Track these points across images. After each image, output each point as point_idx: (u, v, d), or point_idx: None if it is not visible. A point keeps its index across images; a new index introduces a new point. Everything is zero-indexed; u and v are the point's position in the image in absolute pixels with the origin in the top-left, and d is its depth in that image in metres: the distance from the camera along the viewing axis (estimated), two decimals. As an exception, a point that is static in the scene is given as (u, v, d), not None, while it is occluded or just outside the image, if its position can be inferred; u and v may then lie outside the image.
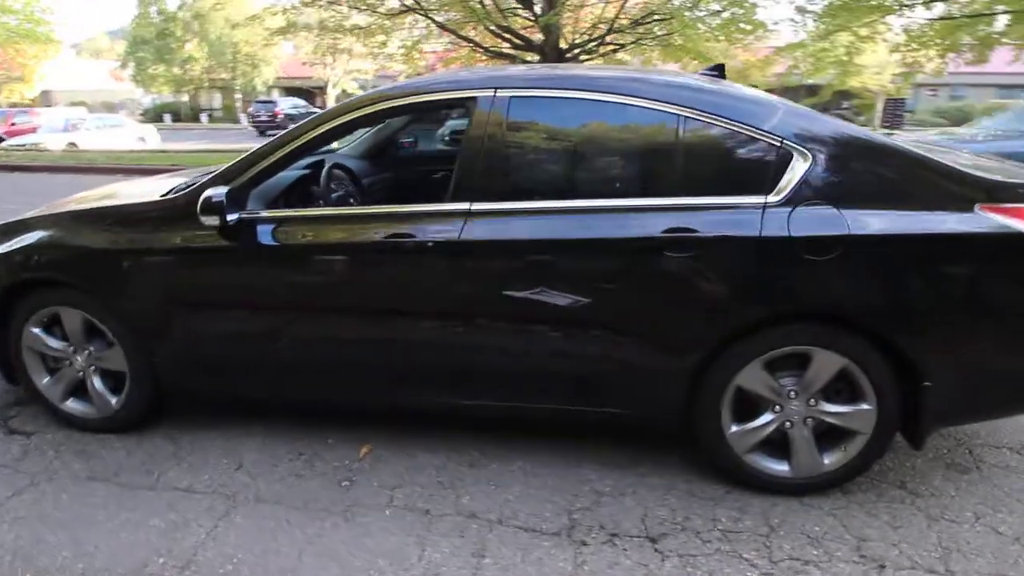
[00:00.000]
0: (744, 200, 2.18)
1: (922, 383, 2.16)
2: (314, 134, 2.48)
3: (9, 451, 2.74)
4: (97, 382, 2.79)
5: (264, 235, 2.47)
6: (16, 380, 2.91)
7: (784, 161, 2.18)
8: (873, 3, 11.05)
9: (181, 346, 2.63)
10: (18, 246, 2.76)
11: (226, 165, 2.59)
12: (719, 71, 2.79)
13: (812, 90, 14.81)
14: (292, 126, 2.58)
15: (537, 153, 2.46)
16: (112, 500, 2.41)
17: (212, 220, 2.37)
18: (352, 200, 3.13)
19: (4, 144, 18.03)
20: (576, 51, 12.52)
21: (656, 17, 11.86)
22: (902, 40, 12.12)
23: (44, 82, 33.86)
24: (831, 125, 2.29)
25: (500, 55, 12.62)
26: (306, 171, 2.97)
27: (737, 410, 2.33)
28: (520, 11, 12.27)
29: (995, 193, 2.14)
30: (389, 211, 2.46)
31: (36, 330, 2.77)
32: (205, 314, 2.61)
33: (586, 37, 12.50)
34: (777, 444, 2.36)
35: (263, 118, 27.24)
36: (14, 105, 26.85)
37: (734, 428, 2.34)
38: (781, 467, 2.36)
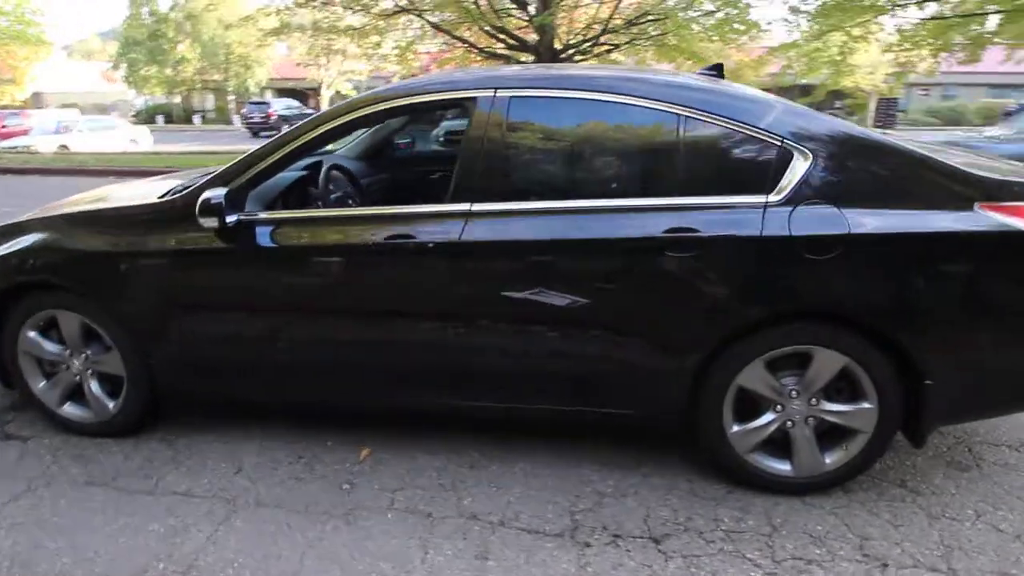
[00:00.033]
0: (745, 200, 2.18)
1: (923, 381, 2.17)
2: (313, 135, 2.47)
3: (5, 456, 2.71)
4: (94, 386, 2.76)
5: (263, 237, 2.46)
6: (12, 384, 2.88)
7: (784, 160, 2.18)
8: (866, 3, 11.08)
9: (179, 349, 2.61)
10: (13, 249, 2.74)
11: (224, 167, 2.57)
12: (718, 71, 2.79)
13: (806, 90, 14.84)
14: (291, 127, 2.56)
15: (537, 153, 2.46)
16: (111, 505, 2.39)
17: (211, 222, 2.36)
18: (351, 201, 3.11)
19: (-5, 146, 17.90)
20: (570, 51, 12.52)
21: (650, 17, 11.87)
22: (895, 40, 12.16)
23: (35, 84, 33.65)
24: (831, 124, 2.29)
25: (494, 56, 12.61)
26: (304, 172, 2.95)
27: (738, 410, 2.33)
28: (514, 11, 12.26)
29: (994, 192, 2.15)
30: (389, 212, 2.45)
31: (32, 334, 2.75)
32: (203, 317, 2.59)
33: (580, 37, 12.50)
34: (779, 444, 2.36)
35: (256, 119, 27.18)
36: (5, 107, 26.65)
37: (736, 428, 2.34)
38: (783, 466, 2.36)
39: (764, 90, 2.92)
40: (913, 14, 11.41)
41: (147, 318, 2.59)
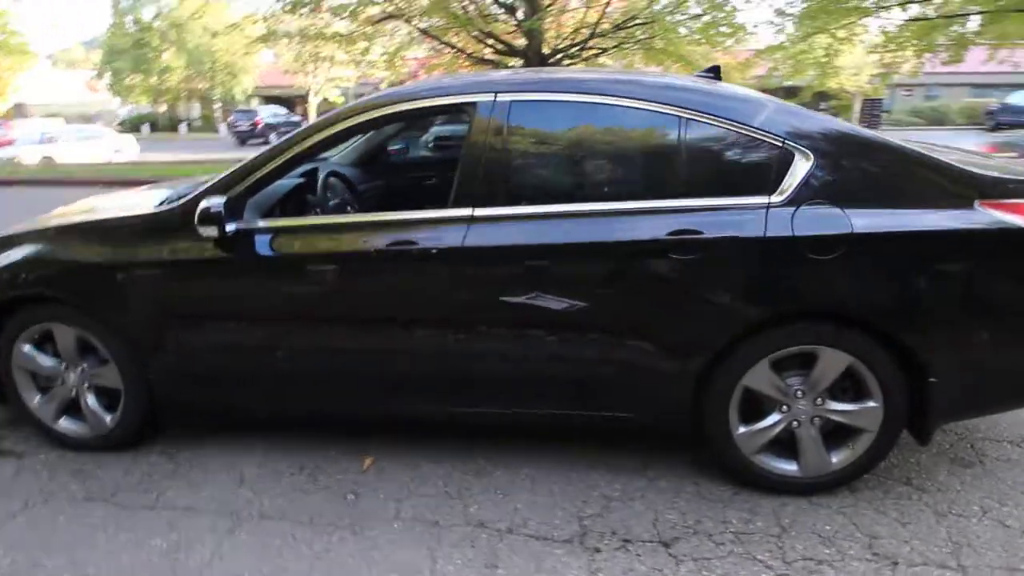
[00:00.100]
0: (747, 201, 2.18)
1: (928, 379, 2.17)
2: (312, 141, 2.45)
3: (1, 473, 2.66)
4: (91, 400, 2.72)
5: (263, 245, 2.44)
6: (5, 399, 2.83)
7: (786, 161, 2.18)
8: (850, 5, 11.21)
9: (178, 360, 2.58)
10: (5, 262, 2.70)
11: (221, 175, 2.54)
12: (715, 73, 2.80)
13: (791, 92, 14.97)
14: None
15: (539, 157, 2.45)
16: (111, 521, 2.35)
17: (210, 231, 2.33)
18: (349, 208, 3.09)
19: (-21, 159, 17.70)
20: (559, 56, 12.55)
21: (638, 21, 11.92)
22: (880, 41, 12.30)
23: (18, 95, 33.31)
24: (831, 124, 2.31)
25: (483, 61, 12.62)
26: (301, 180, 2.93)
27: (744, 411, 2.33)
28: (502, 17, 12.27)
29: (994, 189, 2.16)
30: (390, 219, 2.43)
31: (27, 348, 2.71)
32: (202, 327, 2.56)
33: (568, 42, 12.53)
34: (785, 444, 2.36)
35: (243, 127, 27.03)
36: (-12, 119, 26.41)
37: (742, 429, 2.33)
38: (789, 467, 2.36)
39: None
40: (897, 16, 11.55)
41: (145, 329, 2.56)
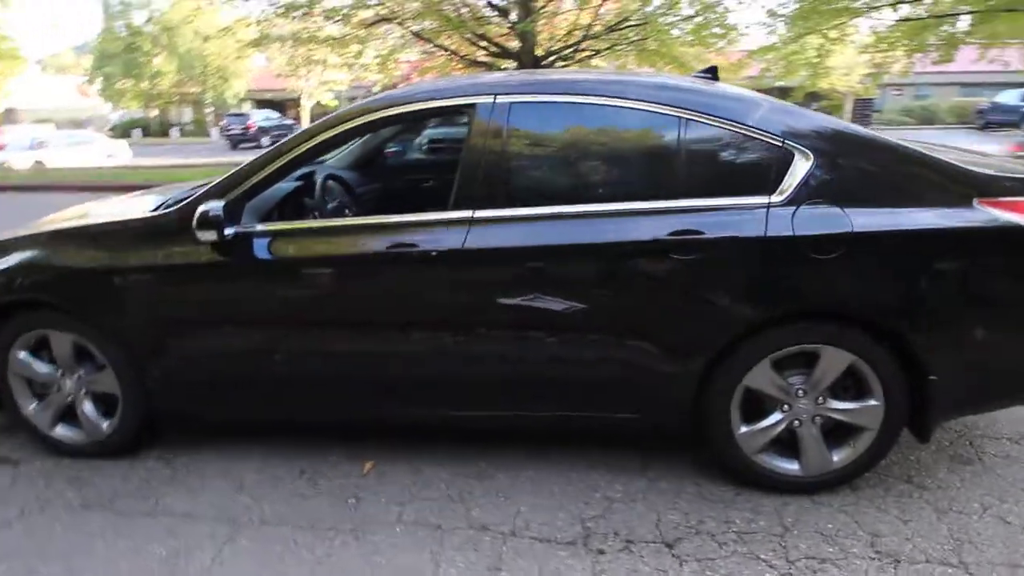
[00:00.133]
0: (748, 201, 2.18)
1: (928, 377, 2.18)
2: (311, 144, 2.44)
3: (-4, 481, 2.64)
4: (88, 406, 2.70)
5: (262, 249, 2.42)
6: (1, 407, 2.80)
7: (786, 161, 2.19)
8: (841, 5, 11.27)
9: (176, 365, 2.56)
10: (-1, 268, 2.67)
11: (219, 179, 2.53)
12: (712, 73, 2.80)
13: (784, 92, 15.05)
14: (288, 137, 2.53)
15: (538, 159, 2.45)
16: (109, 528, 2.33)
17: (208, 235, 2.31)
18: (347, 211, 3.08)
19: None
20: (552, 58, 12.56)
21: (631, 23, 11.94)
22: (871, 41, 12.37)
23: (8, 100, 33.09)
24: (829, 124, 2.31)
25: (476, 63, 12.61)
26: (298, 183, 2.91)
27: (745, 410, 2.33)
28: (495, 19, 12.27)
29: (992, 187, 2.17)
30: (390, 221, 2.41)
31: (22, 355, 2.68)
32: (201, 332, 2.54)
33: (562, 44, 12.54)
34: (786, 443, 2.36)
35: (236, 131, 26.93)
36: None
37: (743, 429, 2.33)
38: (791, 466, 2.37)
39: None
40: (888, 16, 11.62)
41: (142, 334, 2.54)
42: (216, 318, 2.53)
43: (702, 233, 2.17)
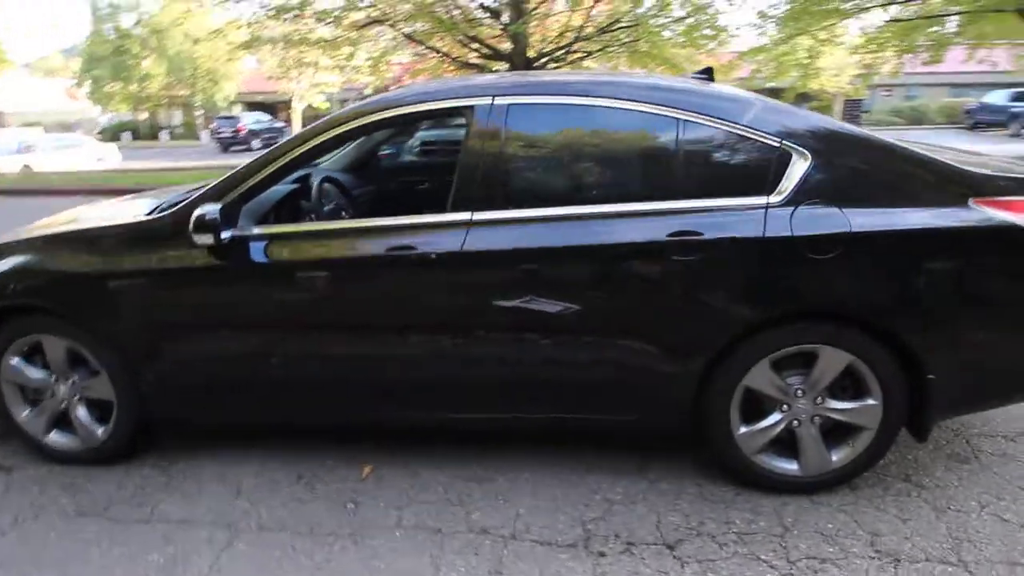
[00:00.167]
0: (746, 201, 2.19)
1: (926, 376, 2.19)
2: (308, 147, 2.43)
3: (-10, 489, 2.61)
4: (82, 412, 2.67)
5: (260, 252, 2.40)
6: (-7, 413, 2.77)
7: (783, 161, 2.19)
8: (831, 7, 11.36)
9: (173, 370, 2.54)
10: (-9, 273, 2.64)
11: (215, 182, 2.51)
12: (708, 75, 2.81)
13: (775, 93, 15.15)
14: (284, 139, 2.52)
15: (537, 160, 2.44)
16: (104, 536, 2.30)
17: (205, 239, 2.30)
18: (343, 213, 3.07)
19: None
20: (544, 59, 12.57)
21: (622, 24, 11.97)
22: (860, 42, 12.47)
23: (-5, 103, 32.83)
24: (827, 124, 2.32)
25: (468, 65, 12.61)
26: (293, 186, 2.90)
27: (744, 411, 2.33)
28: (487, 21, 12.28)
29: (987, 187, 2.18)
30: (389, 224, 2.40)
31: (15, 361, 2.65)
32: (198, 337, 2.52)
33: (553, 46, 12.56)
34: (785, 443, 2.37)
35: (226, 134, 26.80)
36: (-36, 128, 25.97)
37: (743, 429, 2.34)
38: (790, 466, 2.37)
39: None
40: (877, 17, 11.72)
41: (138, 339, 2.51)
42: (213, 322, 2.51)
43: (701, 234, 2.17)
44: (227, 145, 26.38)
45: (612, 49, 12.52)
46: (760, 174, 2.20)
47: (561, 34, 12.50)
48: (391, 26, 11.85)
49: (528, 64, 12.05)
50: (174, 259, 2.43)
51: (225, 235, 2.31)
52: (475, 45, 12.04)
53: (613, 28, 12.09)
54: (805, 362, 2.27)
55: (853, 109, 22.83)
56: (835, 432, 2.35)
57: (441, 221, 2.31)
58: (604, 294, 2.28)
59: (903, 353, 2.20)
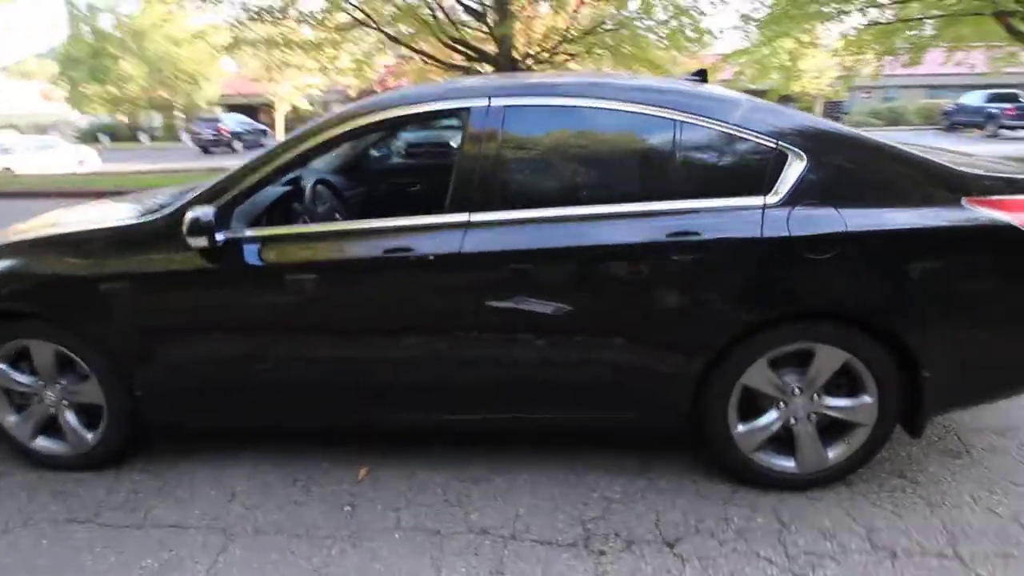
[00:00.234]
0: (744, 202, 2.20)
1: (921, 373, 2.22)
2: (301, 149, 2.40)
3: (-24, 496, 2.55)
4: (71, 417, 2.62)
5: (255, 255, 2.37)
6: (-21, 420, 2.71)
7: (780, 162, 2.21)
8: (811, 10, 11.50)
9: (164, 374, 2.50)
10: (-25, 278, 2.58)
11: (208, 184, 2.48)
12: (702, 76, 2.82)
13: (757, 95, 15.31)
14: (278, 141, 2.49)
15: (534, 161, 2.44)
16: (97, 542, 2.26)
17: (199, 241, 2.27)
18: (336, 215, 3.04)
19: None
20: (528, 61, 12.59)
21: (607, 27, 12.03)
22: (841, 45, 12.64)
23: (-32, 106, 32.15)
24: (822, 125, 2.35)
25: (453, 67, 12.60)
26: (286, 187, 2.87)
27: (742, 409, 2.35)
28: (472, 23, 12.27)
29: (978, 187, 2.22)
30: (385, 225, 2.38)
31: (1, 365, 2.60)
32: (191, 339, 2.48)
33: (538, 47, 12.58)
34: (782, 441, 2.38)
35: (207, 136, 26.51)
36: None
37: (740, 428, 2.35)
38: (787, 463, 2.39)
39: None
40: (857, 20, 11.89)
41: (129, 342, 2.47)
42: (206, 325, 2.47)
43: (699, 234, 2.18)
44: (207, 147, 26.10)
45: (597, 51, 12.57)
46: (757, 175, 2.22)
47: (546, 36, 12.53)
48: (376, 28, 11.80)
49: (514, 66, 12.07)
50: (167, 262, 2.40)
51: (220, 238, 2.29)
52: (460, 47, 12.02)
53: (598, 31, 12.14)
54: (802, 360, 2.29)
55: (833, 111, 23.18)
56: (831, 429, 2.37)
57: (439, 223, 2.30)
58: (603, 295, 2.28)
59: (898, 351, 2.22)
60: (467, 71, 12.49)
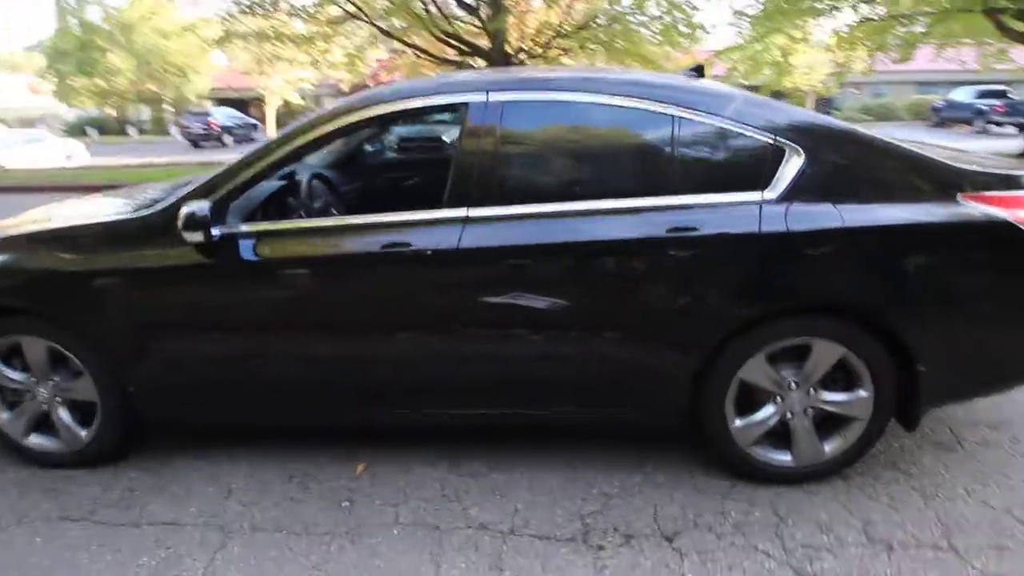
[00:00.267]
0: (742, 197, 2.20)
1: (917, 367, 2.23)
2: (299, 143, 2.39)
3: (-31, 495, 2.53)
4: (64, 414, 2.60)
5: (251, 250, 2.36)
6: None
7: (778, 158, 2.22)
8: (803, 6, 11.54)
9: (159, 370, 2.48)
10: (-35, 274, 2.55)
11: (203, 178, 2.46)
12: (699, 72, 2.82)
13: (750, 91, 15.36)
14: (273, 136, 2.47)
15: (533, 156, 2.43)
16: (93, 540, 2.25)
17: (195, 236, 2.25)
18: (332, 210, 3.03)
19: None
20: (521, 55, 12.56)
21: (600, 22, 12.02)
22: (832, 42, 12.69)
23: (-46, 100, 31.74)
24: (820, 121, 2.35)
25: (446, 61, 12.55)
26: (281, 182, 2.85)
27: (740, 404, 2.36)
28: (465, 17, 12.23)
29: (974, 183, 2.23)
30: (383, 220, 2.36)
31: (-7, 363, 2.57)
32: (186, 335, 2.46)
33: (531, 42, 12.56)
34: (779, 435, 2.39)
35: (197, 130, 26.27)
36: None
37: (738, 422, 2.36)
38: (784, 457, 2.40)
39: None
40: (849, 16, 11.93)
41: (123, 339, 2.45)
42: (201, 320, 2.45)
43: (697, 230, 2.18)
44: (196, 141, 25.87)
45: (590, 46, 12.56)
46: (754, 170, 2.22)
47: (539, 31, 12.51)
48: (369, 21, 11.73)
49: (507, 60, 12.04)
50: (162, 257, 2.38)
51: (216, 233, 2.27)
52: (453, 41, 11.97)
53: (590, 26, 12.13)
54: (798, 355, 2.30)
55: (824, 107, 23.26)
56: (827, 423, 2.38)
57: (437, 218, 2.29)
58: (602, 290, 2.27)
59: (895, 345, 2.23)
60: (460, 65, 12.45)
